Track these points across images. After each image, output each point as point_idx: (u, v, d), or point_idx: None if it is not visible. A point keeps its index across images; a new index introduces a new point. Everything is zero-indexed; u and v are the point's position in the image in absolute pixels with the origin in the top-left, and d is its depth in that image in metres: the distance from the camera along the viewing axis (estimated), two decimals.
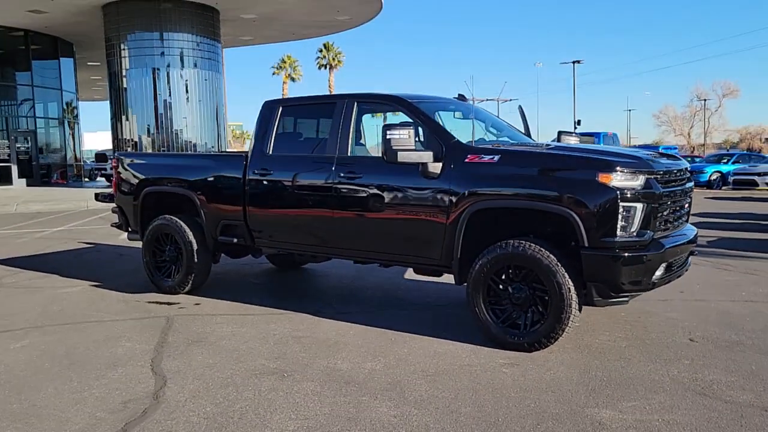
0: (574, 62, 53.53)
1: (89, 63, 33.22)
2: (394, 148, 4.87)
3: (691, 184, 5.24)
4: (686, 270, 5.16)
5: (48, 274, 7.94)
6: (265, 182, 6.01)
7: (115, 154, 7.58)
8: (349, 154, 5.59)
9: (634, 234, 4.44)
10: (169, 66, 24.16)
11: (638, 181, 4.44)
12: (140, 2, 23.60)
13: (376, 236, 5.43)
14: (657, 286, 4.65)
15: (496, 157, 4.84)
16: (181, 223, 6.58)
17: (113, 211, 7.46)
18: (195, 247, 6.50)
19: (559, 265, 4.48)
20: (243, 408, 3.71)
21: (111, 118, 25.23)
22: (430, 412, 3.64)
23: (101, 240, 11.06)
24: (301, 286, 7.28)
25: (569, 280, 4.47)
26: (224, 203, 6.32)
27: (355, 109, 5.64)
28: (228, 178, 6.30)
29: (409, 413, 3.61)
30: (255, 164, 6.08)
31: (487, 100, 62.48)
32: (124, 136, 24.33)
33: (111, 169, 7.63)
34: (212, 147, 25.41)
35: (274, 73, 67.91)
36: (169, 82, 24.27)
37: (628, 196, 4.39)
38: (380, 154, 5.16)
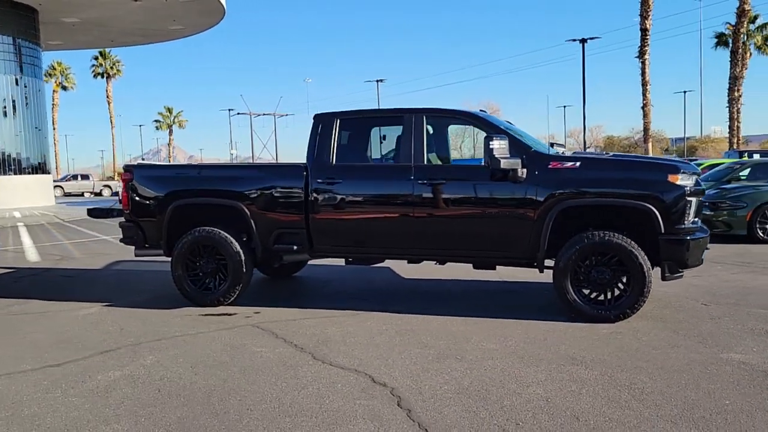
0: (377, 81, 56.75)
1: None
2: (497, 156, 5.62)
3: None
4: None
5: (28, 300, 7.23)
6: (333, 191, 6.31)
7: (127, 166, 7.18)
8: (425, 163, 6.16)
9: (692, 222, 5.69)
10: None
11: (692, 181, 5.70)
12: None
13: (463, 237, 6.07)
14: (702, 262, 5.94)
15: (578, 164, 5.80)
16: (226, 234, 6.56)
17: (121, 226, 7.07)
18: (243, 257, 6.53)
19: (640, 249, 5.56)
20: (476, 382, 4.21)
21: None
22: (614, 370, 4.45)
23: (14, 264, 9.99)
24: (323, 290, 7.58)
25: (647, 260, 5.58)
26: (281, 212, 6.47)
27: (425, 122, 6.24)
28: (286, 187, 6.47)
29: (596, 371, 4.40)
30: (319, 174, 6.35)
31: (264, 114, 63.70)
32: None
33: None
34: (39, 161, 23.09)
35: (45, 81, 62.11)
36: None
37: (689, 192, 5.63)
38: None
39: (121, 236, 7.13)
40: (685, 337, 5.22)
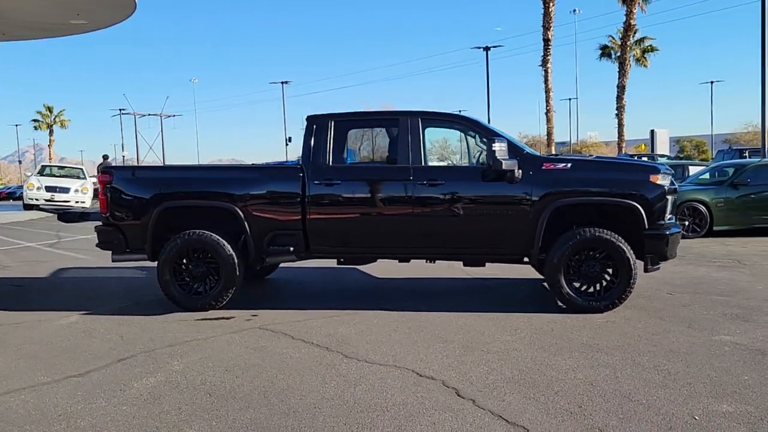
0: (282, 82, 56.19)
1: None
2: (499, 158, 5.92)
3: None
4: None
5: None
6: (331, 192, 6.37)
7: (106, 168, 6.84)
8: (423, 164, 6.36)
9: (669, 218, 6.24)
10: None
11: (668, 180, 6.25)
12: None
13: (462, 236, 6.31)
14: (676, 255, 6.50)
15: (569, 165, 6.21)
16: (218, 237, 6.45)
17: (98, 230, 6.76)
18: (236, 260, 6.44)
19: (626, 243, 6.04)
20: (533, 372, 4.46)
21: None
22: (632, 355, 4.85)
23: None
24: (305, 291, 7.59)
25: (632, 254, 6.06)
26: (277, 214, 6.45)
27: (420, 125, 6.43)
28: (282, 189, 6.45)
29: (617, 357, 4.78)
30: (316, 175, 6.38)
31: (150, 114, 61.72)
32: None
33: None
34: None
35: None
36: None
37: (667, 190, 6.17)
38: (447, 164, 6.10)
39: (97, 241, 6.81)
40: (672, 323, 5.73)
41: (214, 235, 6.45)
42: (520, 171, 6.13)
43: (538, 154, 6.56)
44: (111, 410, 3.90)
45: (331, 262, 7.13)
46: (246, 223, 6.42)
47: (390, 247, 6.51)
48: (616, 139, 41.15)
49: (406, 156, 6.37)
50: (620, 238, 6.04)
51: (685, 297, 6.80)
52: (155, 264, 6.55)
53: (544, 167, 6.20)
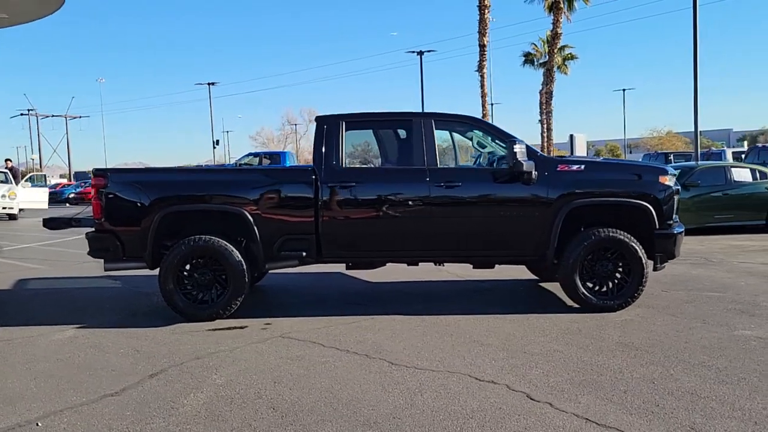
0: (209, 84, 54.76)
1: None
2: (520, 159, 5.94)
3: None
4: None
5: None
6: (346, 194, 6.20)
7: (99, 171, 6.36)
8: (438, 166, 6.29)
9: (676, 218, 6.45)
10: None
11: (673, 181, 6.46)
12: None
13: (477, 237, 6.28)
14: (679, 254, 6.71)
15: (582, 166, 6.30)
16: (225, 243, 6.16)
17: (90, 238, 6.31)
18: (245, 267, 6.17)
19: (638, 243, 6.19)
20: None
21: None
22: (672, 352, 4.96)
23: None
24: (304, 297, 7.37)
25: (644, 253, 6.22)
26: (289, 218, 6.22)
27: (433, 126, 6.37)
28: (294, 192, 6.23)
29: (659, 355, 4.88)
30: (330, 178, 6.20)
31: (53, 116, 59.08)
32: None
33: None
34: None
35: None
36: None
37: (674, 191, 6.37)
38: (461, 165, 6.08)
39: (89, 249, 6.36)
40: (686, 319, 5.91)
41: (221, 240, 6.15)
42: (536, 173, 6.17)
43: (552, 156, 6.63)
44: (175, 430, 3.62)
45: (311, 268, 6.95)
46: (255, 228, 6.15)
47: (405, 250, 6.41)
48: (539, 143, 42.47)
49: (421, 158, 6.28)
50: (633, 238, 6.18)
51: (681, 294, 7.03)
52: (129, 272, 6.19)
53: (558, 169, 6.27)
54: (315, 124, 6.46)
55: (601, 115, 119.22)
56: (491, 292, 7.43)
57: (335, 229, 6.25)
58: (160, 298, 7.21)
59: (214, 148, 55.29)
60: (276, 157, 29.51)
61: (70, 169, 59.78)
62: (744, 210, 13.03)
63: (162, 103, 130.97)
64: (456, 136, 7.14)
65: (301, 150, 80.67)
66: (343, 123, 6.40)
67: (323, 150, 6.30)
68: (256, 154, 30.87)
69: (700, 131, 22.39)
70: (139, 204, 6.19)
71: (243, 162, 29.25)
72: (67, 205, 35.01)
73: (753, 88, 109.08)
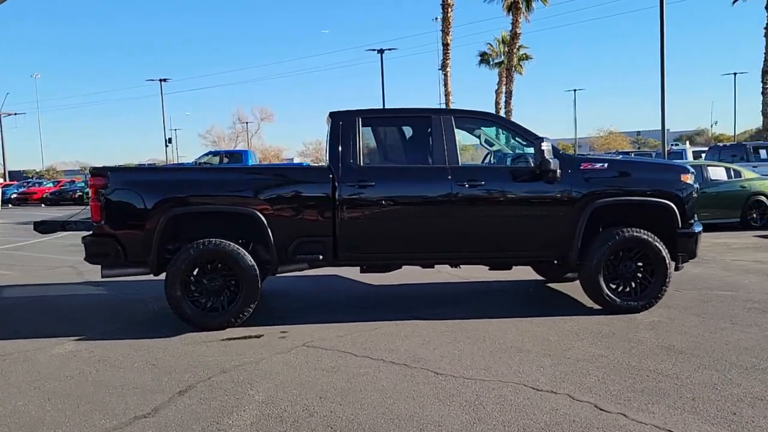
0: (161, 80, 53.25)
1: None
2: (547, 157, 5.76)
3: None
4: None
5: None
6: (366, 194, 5.91)
7: (98, 170, 5.87)
8: (458, 164, 6.06)
9: (695, 217, 6.38)
10: None
11: (693, 179, 6.39)
12: None
13: (499, 238, 6.07)
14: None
15: (606, 165, 6.16)
16: (237, 246, 5.79)
17: (86, 242, 5.84)
18: (257, 271, 5.82)
19: (662, 243, 6.09)
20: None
21: None
22: (717, 354, 4.85)
23: None
24: (311, 302, 7.03)
25: (668, 253, 6.12)
26: (304, 220, 5.89)
27: (453, 123, 6.13)
28: (310, 192, 5.90)
29: (705, 358, 4.77)
30: (348, 177, 5.90)
31: None
32: None
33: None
34: None
35: None
36: None
37: (695, 189, 6.31)
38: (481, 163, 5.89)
39: (86, 254, 5.88)
40: (713, 319, 5.83)
41: (232, 244, 5.77)
42: (560, 171, 6.01)
43: (575, 155, 6.48)
44: None
45: (305, 270, 6.55)
46: (269, 230, 5.80)
47: (425, 252, 6.15)
48: None
49: (442, 156, 6.04)
50: (656, 237, 6.08)
51: (693, 293, 6.99)
52: (113, 279, 5.85)
53: (582, 167, 6.12)
54: (330, 120, 6.14)
55: (554, 114, 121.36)
56: (503, 294, 7.25)
57: (353, 230, 5.94)
58: (155, 304, 6.85)
59: (167, 146, 53.81)
60: (237, 155, 28.84)
61: (4, 169, 57.24)
62: (720, 208, 13.23)
63: (105, 100, 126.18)
64: (471, 133, 6.93)
65: (253, 148, 79.09)
66: (360, 119, 6.10)
67: (340, 148, 5.99)
68: (216, 153, 30.13)
69: (637, 131, 22.84)
70: (143, 205, 5.76)
71: (203, 161, 28.49)
72: (10, 206, 33.49)
73: (687, 90, 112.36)
